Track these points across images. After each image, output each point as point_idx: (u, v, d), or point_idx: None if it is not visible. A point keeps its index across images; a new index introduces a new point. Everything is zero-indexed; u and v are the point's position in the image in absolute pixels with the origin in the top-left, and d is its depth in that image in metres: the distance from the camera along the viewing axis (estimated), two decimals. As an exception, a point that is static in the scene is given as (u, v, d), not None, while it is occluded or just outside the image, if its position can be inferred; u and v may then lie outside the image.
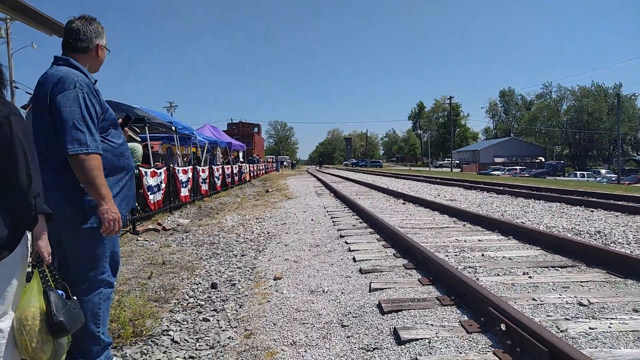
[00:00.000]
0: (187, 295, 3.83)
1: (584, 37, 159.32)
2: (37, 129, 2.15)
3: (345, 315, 3.12)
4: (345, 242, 5.56)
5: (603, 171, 46.30)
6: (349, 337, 2.76)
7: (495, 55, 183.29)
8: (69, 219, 2.12)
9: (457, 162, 74.34)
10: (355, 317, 3.06)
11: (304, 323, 3.03)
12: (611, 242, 5.32)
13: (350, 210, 9.14)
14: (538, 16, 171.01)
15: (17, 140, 1.61)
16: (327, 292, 3.65)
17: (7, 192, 1.60)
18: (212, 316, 3.28)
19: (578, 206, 9.17)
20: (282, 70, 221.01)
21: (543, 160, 68.40)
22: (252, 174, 27.51)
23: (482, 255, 4.67)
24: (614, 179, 37.51)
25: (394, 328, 2.74)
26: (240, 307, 3.49)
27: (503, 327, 2.50)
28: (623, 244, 5.22)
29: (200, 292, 3.96)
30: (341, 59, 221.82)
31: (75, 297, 1.95)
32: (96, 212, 2.10)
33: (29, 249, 1.84)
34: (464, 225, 6.80)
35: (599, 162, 69.78)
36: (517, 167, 53.77)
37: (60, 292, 1.86)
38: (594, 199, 9.97)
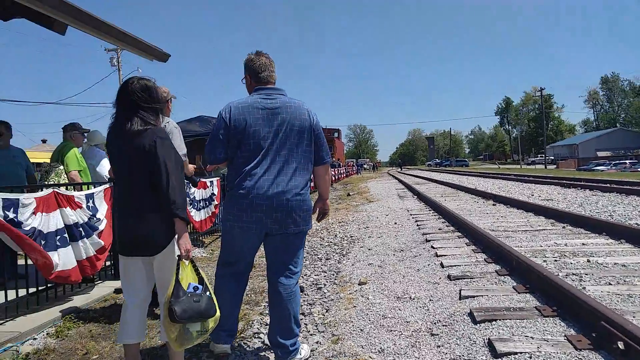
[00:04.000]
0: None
1: None
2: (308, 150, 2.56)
3: (435, 323, 2.99)
4: (432, 247, 5.36)
5: None
6: (439, 346, 2.63)
7: (592, 36, 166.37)
8: None
9: (552, 158, 68.50)
10: (445, 325, 2.92)
11: (391, 330, 2.96)
12: None
13: (436, 213, 8.81)
14: None
15: (161, 159, 2.14)
16: (414, 299, 3.53)
17: (158, 200, 2.14)
18: (300, 319, 3.33)
19: None
20: (361, 70, 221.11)
21: (659, 152, 60.39)
22: (333, 178, 27.78)
23: (588, 261, 4.21)
24: None
25: (489, 339, 2.56)
26: (326, 312, 3.50)
27: (621, 345, 2.21)
28: None
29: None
30: (420, 55, 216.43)
31: (208, 293, 2.17)
32: None
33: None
34: (564, 227, 6.21)
35: None
36: (627, 161, 47.80)
37: (193, 284, 2.14)
38: None
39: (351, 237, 6.86)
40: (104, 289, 4.36)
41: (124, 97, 2.29)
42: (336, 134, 51.28)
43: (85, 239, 3.79)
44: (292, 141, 2.48)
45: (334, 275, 4.65)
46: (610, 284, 3.48)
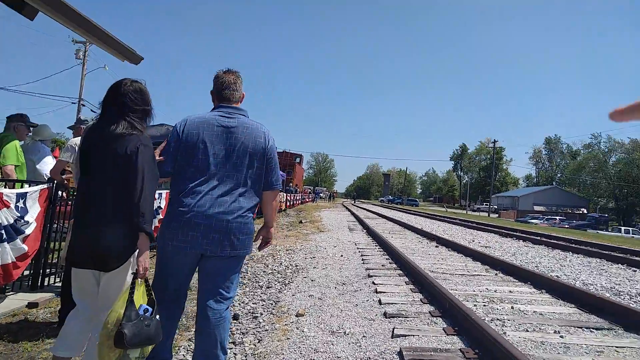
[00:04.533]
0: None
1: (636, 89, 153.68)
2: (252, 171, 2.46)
3: None
4: (373, 283, 5.47)
5: (651, 228, 43.34)
6: (365, 382, 2.68)
7: (543, 101, 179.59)
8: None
9: (495, 207, 71.94)
10: (374, 362, 2.98)
11: (321, 363, 2.98)
12: (654, 307, 4.96)
13: (382, 249, 9.01)
14: (589, 67, 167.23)
15: (140, 167, 2.03)
16: (348, 334, 3.58)
17: (126, 211, 1.99)
18: (230, 349, 3.28)
19: (620, 264, 8.65)
20: (327, 101, 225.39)
21: (585, 212, 65.06)
22: (288, 204, 27.71)
23: (512, 308, 4.47)
24: (664, 237, 35.06)
25: (412, 378, 2.65)
26: (259, 342, 3.47)
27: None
28: (667, 310, 4.85)
29: (224, 321, 3.97)
30: (385, 95, 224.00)
31: (157, 317, 2.05)
32: None
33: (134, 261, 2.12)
34: (496, 274, 6.55)
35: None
36: (557, 217, 51.23)
37: (144, 306, 2.01)
38: (638, 258, 9.36)
39: (296, 266, 6.86)
40: (14, 302, 3.90)
41: (115, 98, 2.18)
42: (298, 159, 51.12)
43: (5, 243, 3.43)
44: (243, 162, 2.40)
45: (272, 304, 4.63)
46: (527, 330, 3.72)
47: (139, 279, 2.04)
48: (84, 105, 26.43)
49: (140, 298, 2.03)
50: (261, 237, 2.74)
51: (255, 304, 4.62)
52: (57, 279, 4.66)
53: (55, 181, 4.23)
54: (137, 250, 2.07)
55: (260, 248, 2.82)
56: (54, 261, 4.78)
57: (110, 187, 2.06)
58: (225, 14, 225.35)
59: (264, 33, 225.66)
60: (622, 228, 42.47)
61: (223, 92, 2.55)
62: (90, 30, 4.52)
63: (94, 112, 25.27)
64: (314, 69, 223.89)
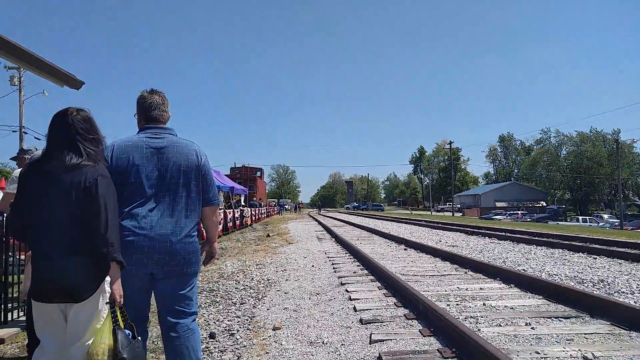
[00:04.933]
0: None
1: (582, 82, 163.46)
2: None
3: (345, 368, 3.05)
4: (346, 290, 5.49)
5: (605, 216, 45.91)
6: (348, 392, 2.69)
7: (495, 99, 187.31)
8: None
9: (459, 206, 74.17)
10: (355, 370, 2.99)
11: (302, 376, 2.96)
12: (615, 292, 5.25)
13: (351, 256, 9.07)
14: (536, 61, 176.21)
15: (102, 199, 2.03)
16: (326, 344, 3.58)
17: (91, 241, 2.00)
18: (209, 368, 3.21)
19: (580, 253, 9.10)
20: (285, 114, 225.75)
21: (545, 204, 68.28)
22: (253, 218, 27.46)
23: (484, 304, 4.60)
24: (616, 224, 37.24)
25: (394, 383, 2.68)
26: (238, 359, 3.42)
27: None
28: (627, 293, 5.15)
29: (198, 342, 3.88)
30: (342, 103, 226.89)
31: (139, 337, 2.11)
32: None
33: (107, 291, 2.11)
34: (466, 272, 6.73)
35: (601, 206, 69.43)
36: (519, 212, 53.56)
37: (127, 331, 2.05)
38: (596, 246, 9.90)
39: (268, 280, 6.80)
40: None
41: (63, 129, 2.12)
42: (259, 173, 51.05)
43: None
44: (178, 181, 2.40)
45: (248, 320, 4.57)
46: (500, 325, 3.84)
47: (117, 307, 2.06)
48: (26, 133, 25.30)
49: (121, 324, 2.06)
50: (205, 252, 2.74)
51: (230, 321, 4.54)
52: (21, 313, 4.48)
53: (5, 214, 4.04)
54: (109, 279, 2.07)
55: (205, 263, 2.80)
56: (14, 295, 4.61)
57: (70, 218, 2.03)
58: (162, 21, 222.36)
59: (216, 41, 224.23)
60: (580, 217, 44.81)
61: (151, 112, 2.53)
62: (21, 57, 4.40)
63: (38, 139, 24.22)
64: (270, 79, 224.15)
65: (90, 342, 2.00)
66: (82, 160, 2.08)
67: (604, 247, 9.44)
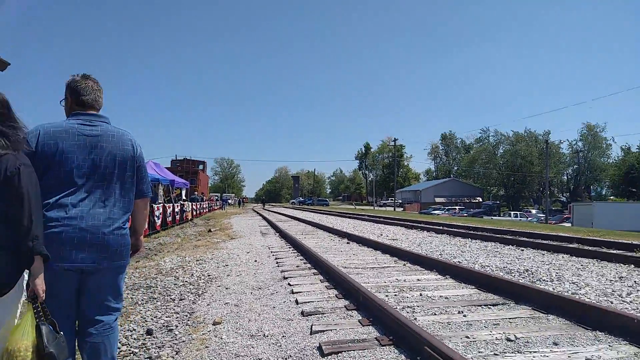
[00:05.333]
0: (120, 343, 3.65)
1: (519, 83, 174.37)
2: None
3: (286, 359, 3.12)
4: (289, 284, 5.56)
5: (533, 211, 49.62)
6: (288, 381, 2.75)
7: (438, 98, 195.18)
8: None
9: (400, 201, 76.69)
10: (295, 360, 3.07)
11: (243, 369, 2.99)
12: (537, 280, 5.72)
13: (295, 251, 9.16)
14: (478, 62, 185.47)
15: (25, 190, 1.92)
16: (267, 336, 3.62)
17: (11, 234, 1.90)
18: (146, 365, 3.15)
19: (510, 245, 9.78)
20: (230, 106, 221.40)
21: (480, 200, 72.44)
22: (194, 213, 26.82)
23: (420, 295, 4.85)
24: (542, 218, 40.37)
25: (333, 371, 2.78)
26: (176, 354, 3.38)
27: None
28: (547, 281, 5.64)
29: (135, 339, 3.79)
30: (289, 98, 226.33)
31: (62, 332, 2.05)
32: None
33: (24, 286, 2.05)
34: (404, 264, 7.03)
35: (531, 202, 74.73)
36: (456, 207, 56.44)
37: (50, 326, 1.99)
38: (524, 239, 10.67)
39: (209, 275, 6.71)
40: None
41: None
42: (201, 166, 49.96)
43: None
44: (112, 172, 2.35)
45: (187, 316, 4.50)
46: (435, 314, 4.07)
47: (39, 302, 1.98)
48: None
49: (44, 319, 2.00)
50: (130, 244, 2.66)
51: (169, 317, 4.46)
52: None
53: None
54: (31, 274, 1.97)
55: (130, 256, 2.73)
56: None
57: None
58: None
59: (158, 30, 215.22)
60: (512, 213, 47.98)
61: (85, 97, 2.44)
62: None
63: None
64: (213, 69, 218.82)
65: (8, 338, 1.92)
66: (1, 149, 1.96)
67: (530, 240, 10.21)
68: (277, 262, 7.58)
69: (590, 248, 9.00)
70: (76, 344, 2.33)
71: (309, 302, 4.60)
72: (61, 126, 2.31)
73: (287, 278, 5.99)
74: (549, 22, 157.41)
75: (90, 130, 2.35)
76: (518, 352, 3.04)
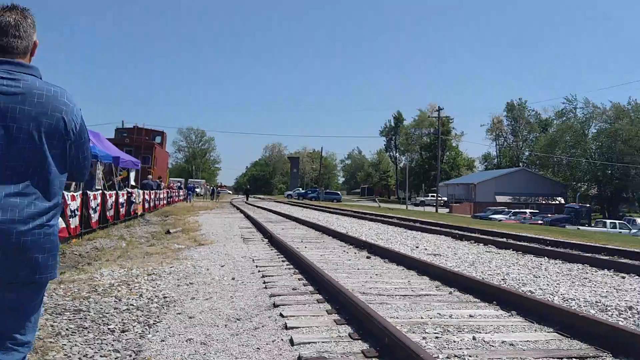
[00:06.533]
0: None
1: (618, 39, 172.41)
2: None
3: None
4: (281, 315, 5.53)
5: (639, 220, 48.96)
6: None
7: (502, 53, 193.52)
8: None
9: (445, 199, 76.66)
10: None
11: None
12: (646, 323, 5.63)
13: (291, 266, 9.17)
14: (560, 9, 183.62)
15: None
16: (247, 392, 3.58)
17: None
18: None
19: (606, 270, 9.69)
20: (201, 55, 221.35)
21: (563, 202, 71.72)
22: (147, 206, 26.95)
23: (474, 339, 4.78)
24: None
25: None
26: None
27: None
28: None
29: (52, 389, 3.77)
30: (286, 46, 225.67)
31: None
32: None
33: None
34: (451, 293, 6.97)
35: (636, 207, 73.77)
36: (527, 211, 56.16)
37: None
38: (626, 260, 10.60)
39: (165, 297, 6.71)
40: None
41: None
42: (159, 139, 49.70)
43: None
44: (35, 148, 2.30)
45: (131, 356, 4.49)
46: (495, 369, 4.01)
47: None
48: None
49: None
50: (59, 248, 2.62)
51: (104, 356, 4.45)
52: None
53: None
54: None
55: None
56: None
57: None
58: None
59: None
60: (607, 221, 47.40)
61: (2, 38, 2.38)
62: None
63: None
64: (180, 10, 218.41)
65: None
66: None
67: (636, 263, 10.10)
68: (264, 282, 7.56)
69: None
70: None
71: (309, 342, 4.56)
72: None
73: (278, 306, 5.96)
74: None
75: (7, 87, 2.27)
76: None
